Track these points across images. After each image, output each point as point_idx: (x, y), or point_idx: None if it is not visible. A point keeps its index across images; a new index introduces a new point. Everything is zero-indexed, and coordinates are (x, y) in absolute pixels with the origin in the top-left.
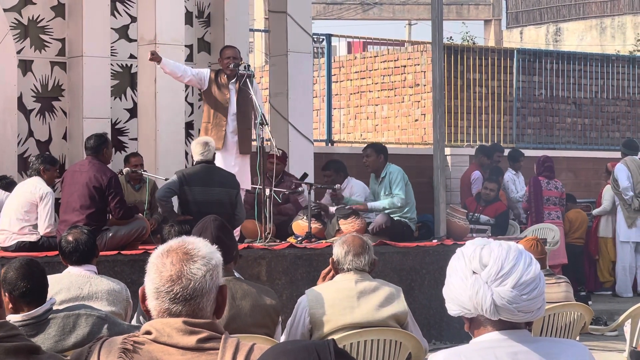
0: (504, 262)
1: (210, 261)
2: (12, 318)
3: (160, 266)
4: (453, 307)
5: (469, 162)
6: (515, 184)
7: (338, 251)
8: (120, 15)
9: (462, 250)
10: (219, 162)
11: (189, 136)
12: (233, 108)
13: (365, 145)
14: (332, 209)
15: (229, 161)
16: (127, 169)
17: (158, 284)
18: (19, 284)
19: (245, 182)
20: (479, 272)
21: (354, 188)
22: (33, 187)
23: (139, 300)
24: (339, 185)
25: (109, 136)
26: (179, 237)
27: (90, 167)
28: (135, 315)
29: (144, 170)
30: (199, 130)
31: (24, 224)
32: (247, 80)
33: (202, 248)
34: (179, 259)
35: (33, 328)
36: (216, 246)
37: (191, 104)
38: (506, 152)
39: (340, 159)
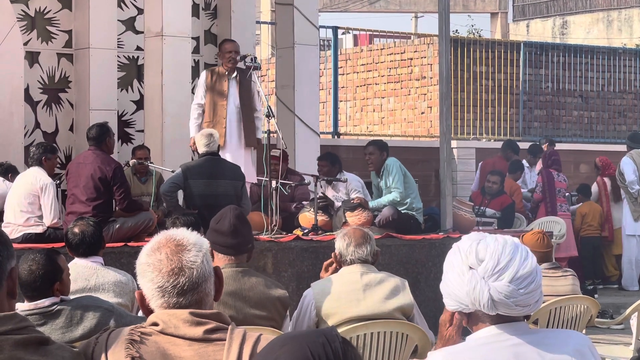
0: (500, 256)
1: (202, 247)
2: (20, 307)
3: (157, 264)
4: (451, 303)
5: (475, 155)
6: (526, 178)
7: (340, 244)
8: (127, 7)
9: (458, 246)
10: (225, 157)
11: None
12: (236, 100)
13: (367, 143)
14: (337, 204)
15: (236, 155)
16: (134, 160)
17: (161, 282)
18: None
19: (250, 175)
20: (476, 267)
21: (350, 184)
22: (33, 179)
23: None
24: (345, 177)
25: (110, 125)
26: (162, 233)
27: (95, 159)
28: None
29: (151, 162)
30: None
31: (29, 215)
32: (253, 72)
33: (190, 236)
34: (173, 252)
35: (41, 318)
36: (232, 235)
37: None
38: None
39: (346, 151)
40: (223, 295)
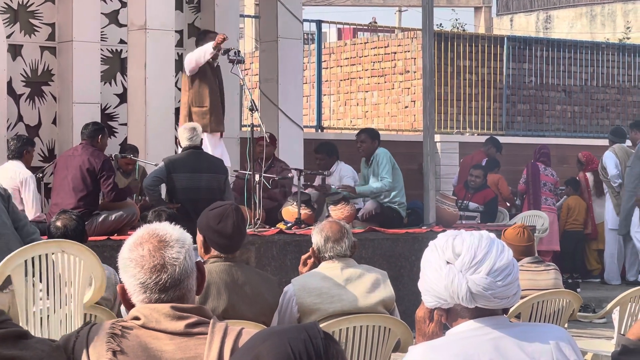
0: (476, 250)
1: (185, 242)
2: None
3: (139, 259)
4: (429, 299)
5: (458, 149)
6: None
7: (317, 239)
8: (110, 0)
9: (434, 242)
10: (215, 146)
11: (178, 121)
12: (221, 89)
13: (359, 130)
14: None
15: (220, 144)
16: (117, 154)
17: (143, 278)
18: None
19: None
20: (453, 261)
21: (342, 171)
22: (13, 173)
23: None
24: (328, 171)
25: (106, 130)
26: (144, 227)
27: (84, 151)
28: None
29: (132, 156)
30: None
31: None
32: (237, 66)
33: (173, 232)
34: (156, 248)
35: None
36: (234, 238)
37: (180, 89)
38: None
39: None
40: (216, 288)
